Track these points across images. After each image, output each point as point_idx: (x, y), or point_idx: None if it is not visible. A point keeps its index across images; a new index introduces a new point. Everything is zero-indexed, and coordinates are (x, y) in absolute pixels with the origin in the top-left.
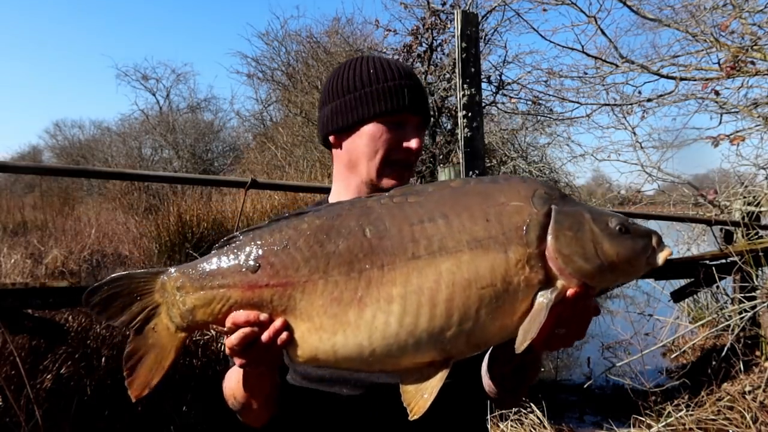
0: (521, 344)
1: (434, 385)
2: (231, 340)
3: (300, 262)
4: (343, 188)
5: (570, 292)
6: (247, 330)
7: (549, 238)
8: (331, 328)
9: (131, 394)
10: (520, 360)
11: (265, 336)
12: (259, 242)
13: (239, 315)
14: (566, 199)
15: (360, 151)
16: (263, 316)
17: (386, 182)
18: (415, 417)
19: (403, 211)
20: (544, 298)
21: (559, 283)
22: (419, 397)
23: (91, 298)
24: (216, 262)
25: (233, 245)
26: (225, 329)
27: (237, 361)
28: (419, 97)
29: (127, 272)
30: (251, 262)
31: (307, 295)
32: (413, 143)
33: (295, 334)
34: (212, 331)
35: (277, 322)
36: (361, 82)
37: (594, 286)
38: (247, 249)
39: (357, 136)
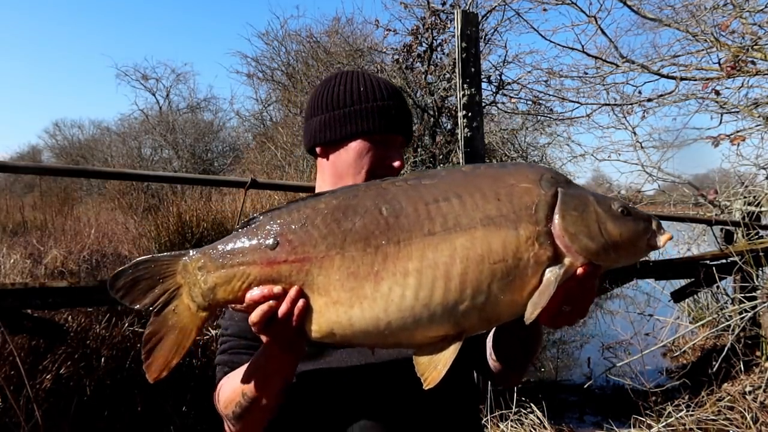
0: (530, 315)
1: (447, 357)
2: (252, 318)
3: (317, 239)
4: None
5: (579, 270)
6: (264, 306)
7: (556, 217)
8: (347, 301)
9: (149, 375)
10: (524, 334)
11: (283, 308)
12: (278, 221)
13: (255, 291)
14: (571, 184)
15: (346, 165)
16: (277, 288)
17: None
18: (429, 387)
19: (418, 191)
20: (552, 274)
21: (567, 260)
22: (432, 368)
23: (115, 282)
24: (236, 241)
25: (253, 225)
26: (244, 307)
27: (264, 339)
28: (405, 117)
29: (150, 256)
30: (270, 240)
31: (324, 270)
32: (396, 163)
33: (312, 308)
34: (212, 331)
35: (292, 292)
36: (351, 99)
37: (599, 264)
38: (266, 228)
39: (344, 151)
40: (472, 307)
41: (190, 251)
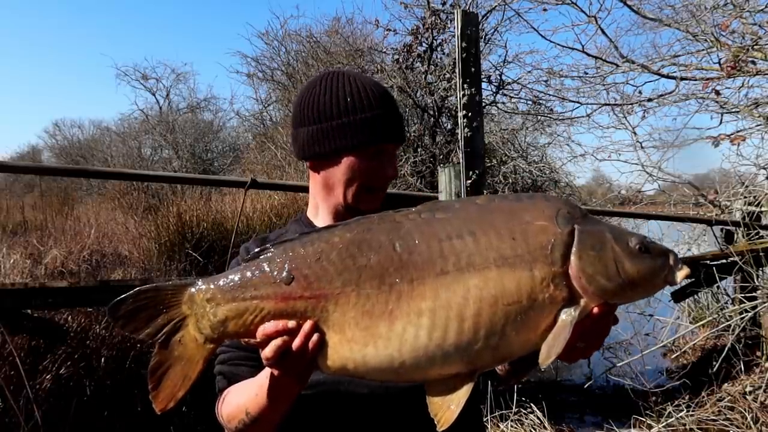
0: (546, 359)
1: (461, 396)
2: (266, 353)
3: (333, 275)
4: (320, 205)
5: (595, 310)
6: (278, 341)
7: (573, 257)
8: (362, 340)
9: (157, 406)
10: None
11: (296, 342)
12: (291, 255)
13: (269, 326)
14: (588, 218)
15: (338, 178)
16: (291, 323)
17: (364, 206)
18: (443, 428)
19: (431, 227)
20: (567, 316)
21: (583, 301)
22: (446, 408)
23: (116, 310)
24: (248, 273)
25: (265, 257)
26: (256, 341)
27: (274, 371)
28: (395, 123)
29: (154, 285)
30: (285, 274)
31: (339, 307)
32: (390, 172)
33: (326, 345)
34: None
35: (306, 326)
36: (338, 111)
37: (615, 303)
38: (280, 261)
39: (335, 165)
40: (485, 347)
41: (197, 281)
